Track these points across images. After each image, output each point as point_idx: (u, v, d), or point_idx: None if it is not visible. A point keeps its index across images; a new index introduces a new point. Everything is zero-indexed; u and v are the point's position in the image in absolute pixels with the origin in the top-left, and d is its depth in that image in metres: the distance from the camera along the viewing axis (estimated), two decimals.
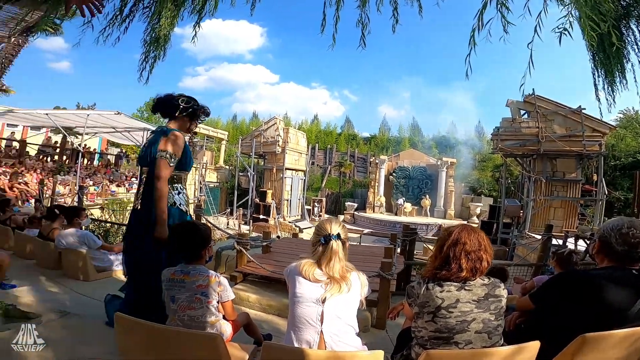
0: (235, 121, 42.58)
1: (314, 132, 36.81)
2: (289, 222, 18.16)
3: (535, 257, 5.76)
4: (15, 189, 9.05)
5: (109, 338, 1.75)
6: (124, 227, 9.26)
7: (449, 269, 1.40)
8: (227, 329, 1.75)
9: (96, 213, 10.21)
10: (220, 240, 8.06)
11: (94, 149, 19.10)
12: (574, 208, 12.29)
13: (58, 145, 15.96)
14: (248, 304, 3.47)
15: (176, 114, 2.21)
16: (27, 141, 14.90)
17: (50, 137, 16.76)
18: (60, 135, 15.14)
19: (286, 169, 19.74)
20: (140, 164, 2.25)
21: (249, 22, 75.96)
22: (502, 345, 1.40)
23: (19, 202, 8.52)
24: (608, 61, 2.62)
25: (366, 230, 17.35)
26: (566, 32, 1.53)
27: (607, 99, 2.84)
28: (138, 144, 15.76)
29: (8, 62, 6.43)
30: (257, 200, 18.35)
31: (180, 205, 2.19)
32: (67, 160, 15.48)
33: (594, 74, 2.81)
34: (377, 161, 23.32)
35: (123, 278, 3.39)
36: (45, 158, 14.83)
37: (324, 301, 1.44)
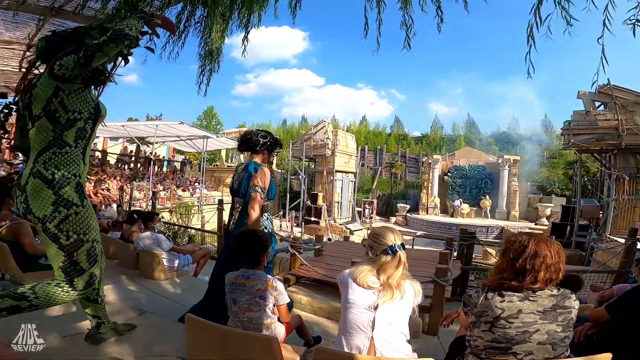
0: (285, 125, 44.03)
1: (363, 133, 36.57)
2: (340, 224, 18.25)
3: (616, 263, 5.12)
4: (99, 194, 10.29)
5: (179, 337, 1.92)
6: (190, 230, 10.15)
7: (521, 280, 1.35)
8: (281, 330, 1.86)
9: (166, 216, 11.25)
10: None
11: (163, 157, 21.06)
12: None
13: (133, 154, 17.91)
14: (300, 306, 3.59)
15: (257, 149, 2.57)
16: (108, 151, 16.79)
17: (126, 147, 18.85)
18: (135, 144, 17.00)
19: (336, 171, 19.88)
20: (234, 195, 2.62)
21: (290, 27, 78.24)
22: (569, 357, 1.32)
23: (103, 206, 9.70)
24: None
25: (419, 233, 16.73)
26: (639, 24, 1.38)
27: None
28: (199, 150, 17.11)
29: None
30: (309, 202, 18.73)
31: (268, 228, 2.54)
32: (141, 168, 17.27)
33: None
34: (430, 161, 22.45)
35: (191, 278, 3.74)
36: (123, 166, 16.68)
37: (376, 308, 1.47)
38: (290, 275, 4.22)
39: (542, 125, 37.01)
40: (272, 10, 3.19)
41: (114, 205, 9.95)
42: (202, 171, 17.45)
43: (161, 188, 14.36)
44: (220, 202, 6.32)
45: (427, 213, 21.43)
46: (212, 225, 10.91)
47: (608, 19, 1.50)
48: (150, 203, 9.89)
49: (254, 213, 2.37)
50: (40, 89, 1.52)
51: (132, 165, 17.38)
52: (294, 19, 3.31)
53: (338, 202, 20.31)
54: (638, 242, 4.79)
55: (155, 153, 17.04)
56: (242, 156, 23.84)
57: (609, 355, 1.25)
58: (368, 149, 33.41)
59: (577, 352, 1.38)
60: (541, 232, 13.81)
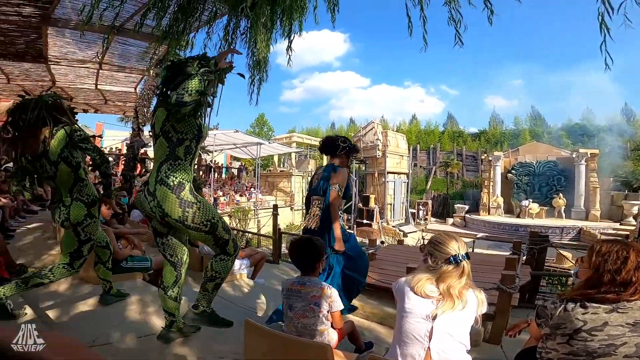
0: (333, 128, 44.35)
1: (414, 132, 35.44)
2: (393, 227, 17.83)
3: None
4: None
5: (238, 339, 2.00)
6: (248, 233, 10.68)
7: (619, 292, 1.26)
8: (333, 337, 1.88)
9: (226, 221, 12.00)
10: None
11: (221, 164, 22.55)
12: None
13: (196, 162, 19.41)
14: None
15: (337, 152, 2.82)
16: None
17: None
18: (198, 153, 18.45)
19: (388, 172, 19.50)
20: (312, 192, 2.85)
21: (330, 30, 78.31)
22: None
23: None
24: None
25: (480, 235, 15.63)
26: None
27: None
28: (253, 156, 17.99)
29: (152, 92, 7.46)
30: (360, 205, 18.60)
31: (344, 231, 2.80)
32: (203, 175, 18.71)
33: None
34: (490, 158, 20.86)
35: (249, 281, 3.94)
36: None
37: (434, 318, 1.41)
38: None
39: (622, 114, 32.53)
40: (312, 17, 3.27)
41: None
42: (257, 176, 18.34)
43: (221, 194, 15.36)
44: (275, 207, 6.57)
45: (488, 213, 19.92)
46: (267, 228, 11.35)
47: None
48: None
49: (332, 208, 2.66)
50: (159, 113, 1.88)
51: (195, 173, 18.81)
52: (333, 23, 3.31)
53: (390, 204, 19.86)
54: None
55: (215, 160, 18.30)
56: (293, 161, 24.57)
57: None
58: (420, 149, 32.22)
59: None
60: (627, 233, 12.05)
